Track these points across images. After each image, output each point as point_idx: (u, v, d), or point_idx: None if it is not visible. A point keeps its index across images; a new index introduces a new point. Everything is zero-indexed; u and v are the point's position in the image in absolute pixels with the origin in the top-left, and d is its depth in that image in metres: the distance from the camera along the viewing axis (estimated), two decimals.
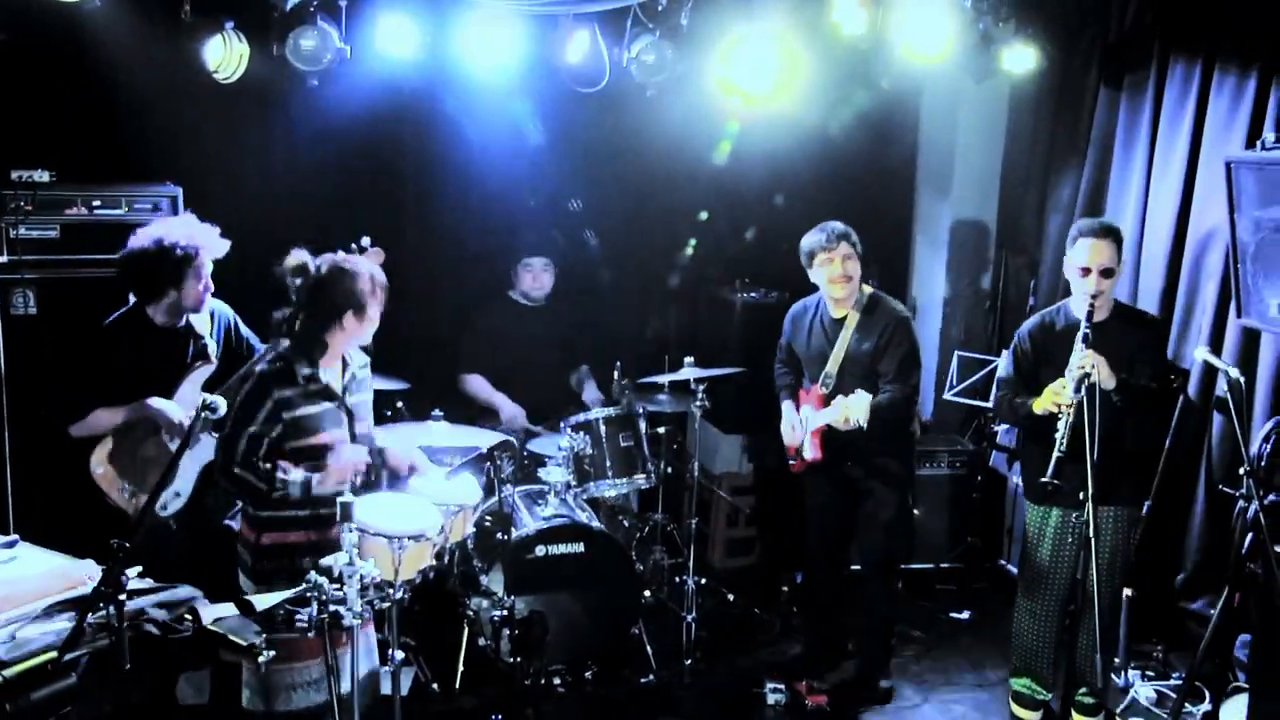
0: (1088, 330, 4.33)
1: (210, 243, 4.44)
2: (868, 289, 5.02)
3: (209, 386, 4.38)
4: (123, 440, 4.39)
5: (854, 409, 4.62)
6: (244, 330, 4.78)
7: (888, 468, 5.00)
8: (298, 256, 3.97)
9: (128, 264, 4.42)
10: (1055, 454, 4.25)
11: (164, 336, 4.50)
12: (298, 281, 3.94)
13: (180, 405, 4.37)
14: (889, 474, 5.01)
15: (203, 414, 3.31)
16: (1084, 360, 4.25)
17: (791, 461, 5.18)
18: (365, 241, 4.61)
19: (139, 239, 4.41)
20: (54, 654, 2.99)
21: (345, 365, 4.06)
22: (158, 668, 3.28)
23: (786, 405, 5.19)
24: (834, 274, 4.89)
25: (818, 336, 5.06)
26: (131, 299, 4.54)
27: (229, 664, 4.15)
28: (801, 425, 5.04)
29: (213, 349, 4.59)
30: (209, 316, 4.65)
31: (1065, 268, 4.59)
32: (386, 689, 4.10)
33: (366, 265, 4.03)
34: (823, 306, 5.08)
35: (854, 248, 4.92)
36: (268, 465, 3.84)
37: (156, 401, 4.35)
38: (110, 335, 4.46)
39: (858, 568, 5.30)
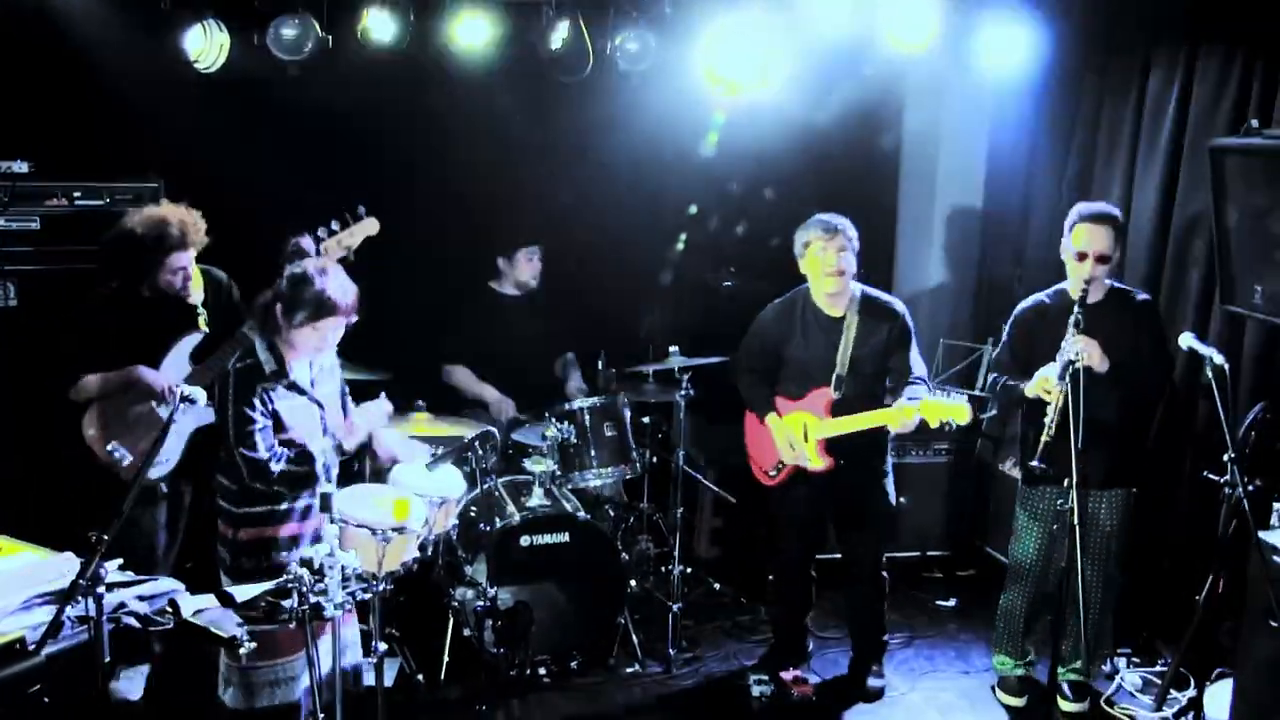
0: (1079, 315, 4.33)
1: (184, 231, 4.45)
2: (856, 285, 4.84)
3: (199, 354, 4.52)
4: (111, 404, 4.50)
5: (959, 411, 4.46)
6: (236, 297, 4.82)
7: (876, 466, 4.92)
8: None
9: (103, 253, 4.54)
10: (1044, 438, 4.28)
11: (151, 306, 4.56)
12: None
13: (167, 373, 4.48)
14: (878, 471, 4.92)
15: (180, 404, 3.31)
16: (1074, 345, 4.25)
17: (772, 475, 4.96)
18: (360, 211, 4.62)
19: (115, 230, 4.48)
20: (21, 633, 2.97)
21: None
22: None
23: (771, 419, 4.85)
24: (829, 266, 4.66)
25: (817, 338, 4.81)
26: None
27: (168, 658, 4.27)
28: (804, 437, 4.77)
29: (203, 318, 4.64)
30: (203, 285, 4.68)
31: (1062, 250, 4.59)
32: (370, 680, 4.09)
33: (337, 282, 3.89)
34: (811, 306, 4.83)
35: (850, 242, 4.71)
36: (293, 453, 3.87)
37: (142, 370, 4.46)
38: (97, 305, 4.55)
39: (836, 556, 5.19)
